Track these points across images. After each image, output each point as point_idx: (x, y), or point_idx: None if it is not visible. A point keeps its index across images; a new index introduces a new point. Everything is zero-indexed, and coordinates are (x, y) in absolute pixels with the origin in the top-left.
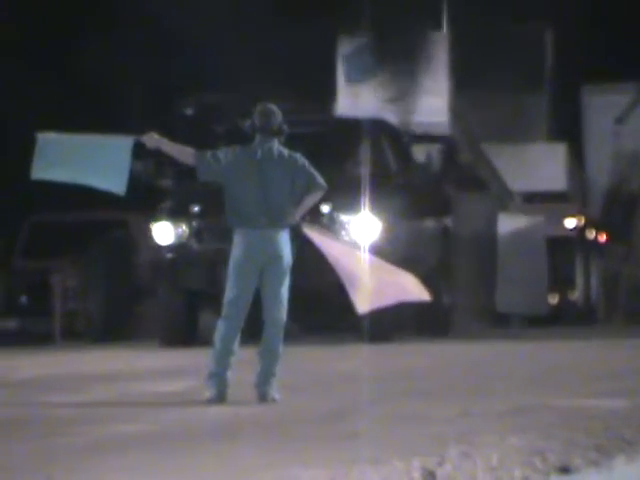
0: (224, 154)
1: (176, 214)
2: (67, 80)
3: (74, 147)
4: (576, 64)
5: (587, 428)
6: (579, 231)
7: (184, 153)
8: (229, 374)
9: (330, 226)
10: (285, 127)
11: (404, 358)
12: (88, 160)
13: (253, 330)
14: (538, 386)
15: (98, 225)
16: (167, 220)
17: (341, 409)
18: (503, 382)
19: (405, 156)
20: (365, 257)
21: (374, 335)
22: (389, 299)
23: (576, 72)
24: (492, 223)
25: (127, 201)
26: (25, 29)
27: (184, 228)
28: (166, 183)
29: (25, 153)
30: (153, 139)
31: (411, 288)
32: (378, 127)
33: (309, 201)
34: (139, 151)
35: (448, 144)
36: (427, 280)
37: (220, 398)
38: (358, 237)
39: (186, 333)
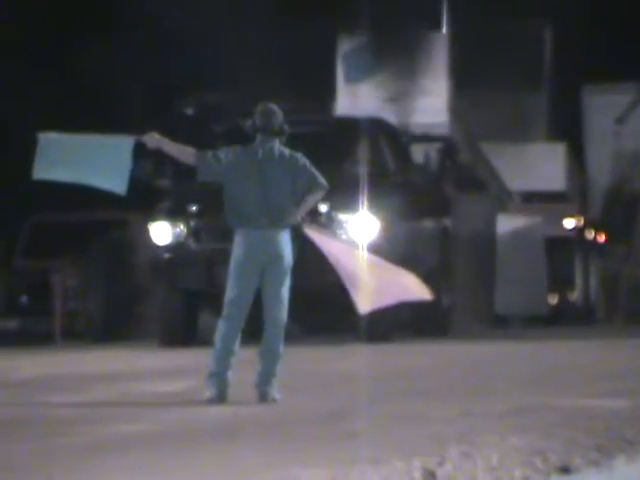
0: (225, 154)
1: (174, 214)
2: (67, 80)
3: (75, 147)
4: (576, 64)
5: (588, 428)
6: (578, 231)
7: (185, 153)
8: (229, 374)
9: (328, 225)
10: (286, 127)
11: (404, 358)
12: (89, 160)
13: (254, 330)
14: (539, 386)
15: (98, 225)
16: (165, 220)
17: (341, 409)
18: (503, 382)
19: (403, 156)
20: (366, 257)
21: (373, 335)
22: (390, 298)
23: (576, 72)
24: (491, 224)
25: (127, 201)
26: (25, 29)
27: (182, 228)
28: (164, 183)
29: (25, 153)
30: (154, 139)
31: (412, 287)
32: (376, 127)
33: (310, 201)
34: (138, 151)
35: (447, 144)
36: (426, 280)
37: (220, 398)
38: (356, 236)
39: (185, 333)
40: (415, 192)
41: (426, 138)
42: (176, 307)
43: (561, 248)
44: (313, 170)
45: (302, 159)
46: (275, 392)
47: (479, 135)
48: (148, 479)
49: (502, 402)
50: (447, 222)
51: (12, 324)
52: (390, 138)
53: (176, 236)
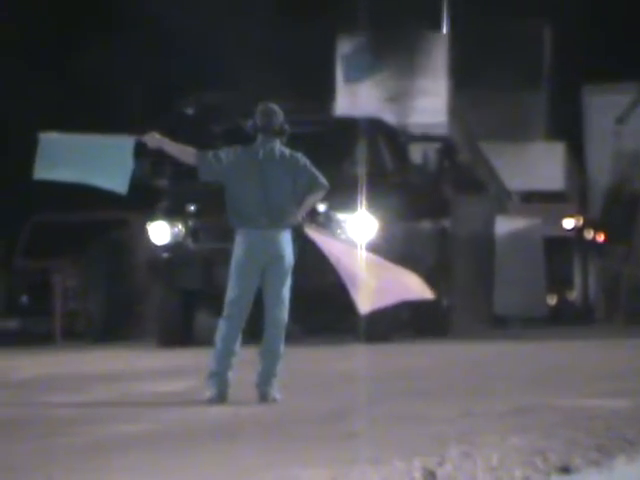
0: (226, 154)
1: (172, 214)
2: (67, 80)
3: (76, 147)
4: (576, 64)
5: (588, 428)
6: (577, 231)
7: (185, 153)
8: (230, 374)
9: (326, 225)
10: (287, 127)
11: (404, 358)
12: (90, 160)
13: (254, 330)
14: (539, 386)
15: (98, 225)
16: (163, 220)
17: (341, 409)
18: (503, 382)
19: (402, 156)
20: (367, 256)
21: (373, 335)
22: (391, 298)
23: (576, 72)
24: (490, 225)
25: (127, 201)
26: (25, 29)
27: (180, 228)
28: (162, 183)
29: (26, 153)
30: (155, 139)
31: (414, 286)
32: (375, 127)
33: (311, 201)
34: (137, 151)
35: (446, 144)
36: (425, 280)
37: (221, 398)
38: (354, 236)
39: (182, 333)
40: (413, 192)
41: (425, 138)
42: (174, 307)
43: (560, 248)
44: (314, 170)
45: (303, 159)
46: (275, 392)
47: (478, 134)
48: (148, 479)
49: (502, 402)
50: (446, 222)
51: (12, 324)
52: (388, 138)
53: (174, 236)
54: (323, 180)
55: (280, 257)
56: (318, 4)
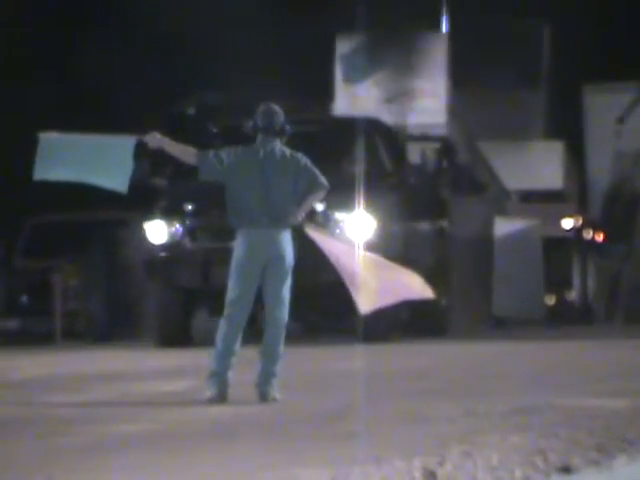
0: (226, 154)
1: (170, 213)
2: (67, 80)
3: (76, 147)
4: (576, 64)
5: (589, 428)
6: (576, 231)
7: (186, 153)
8: (230, 374)
9: (324, 224)
10: (288, 127)
11: (404, 358)
12: (90, 159)
13: (254, 330)
14: (539, 386)
15: (98, 225)
16: (161, 219)
17: (341, 409)
18: (503, 382)
19: (400, 156)
20: (367, 256)
21: (373, 335)
22: (392, 297)
23: (576, 72)
24: (489, 226)
25: (127, 201)
26: (25, 29)
27: (178, 227)
28: (160, 182)
29: (26, 153)
30: (155, 139)
31: (414, 286)
32: (372, 126)
33: (311, 201)
34: (136, 151)
35: (445, 145)
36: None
37: (221, 398)
38: (352, 235)
39: (180, 332)
40: (411, 192)
41: (423, 138)
42: (172, 306)
43: (559, 248)
44: (314, 170)
45: (303, 159)
46: (275, 392)
47: (477, 134)
48: (148, 479)
49: (502, 402)
50: (444, 223)
51: (12, 324)
52: (387, 138)
53: (172, 235)
54: (323, 180)
55: (280, 257)
56: (317, 4)
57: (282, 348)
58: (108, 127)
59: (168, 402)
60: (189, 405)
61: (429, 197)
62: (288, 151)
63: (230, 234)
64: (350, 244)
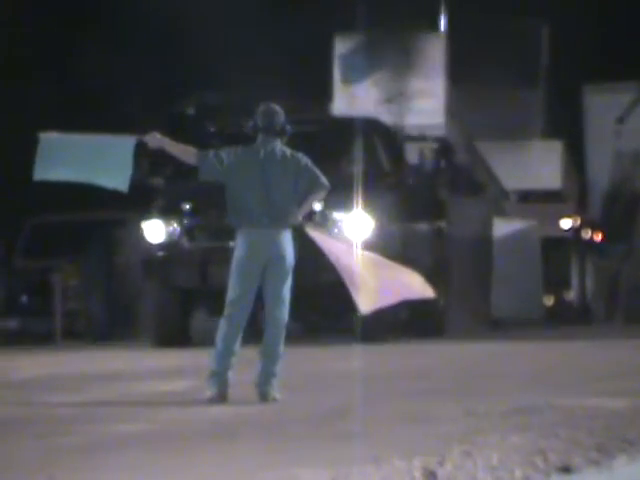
0: (227, 154)
1: (167, 212)
2: (67, 80)
3: (76, 146)
4: (576, 64)
5: (589, 428)
6: (575, 231)
7: (186, 153)
8: (230, 374)
9: (322, 224)
10: (288, 127)
11: (403, 358)
12: (90, 159)
13: (254, 330)
14: (539, 386)
15: (98, 225)
16: (158, 218)
17: (341, 409)
18: (503, 382)
19: (398, 156)
20: (367, 256)
21: (372, 336)
22: (393, 298)
23: (576, 72)
24: (488, 226)
25: (126, 201)
26: (25, 29)
27: (175, 226)
28: (158, 182)
29: (26, 153)
30: (156, 139)
31: (415, 285)
32: (371, 126)
33: (312, 201)
34: (137, 151)
35: (443, 145)
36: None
37: (221, 398)
38: (350, 235)
39: (178, 332)
40: (409, 192)
41: (421, 138)
42: (169, 306)
43: (557, 249)
44: (315, 170)
45: (304, 159)
46: (275, 392)
47: (475, 133)
48: (148, 479)
49: (502, 402)
50: (442, 223)
51: (12, 324)
52: (385, 138)
53: (169, 234)
54: (324, 180)
55: (281, 257)
56: (315, 4)
57: (282, 348)
58: (108, 127)
59: (168, 402)
60: (189, 405)
61: (427, 197)
62: (289, 151)
63: (228, 233)
64: (350, 244)
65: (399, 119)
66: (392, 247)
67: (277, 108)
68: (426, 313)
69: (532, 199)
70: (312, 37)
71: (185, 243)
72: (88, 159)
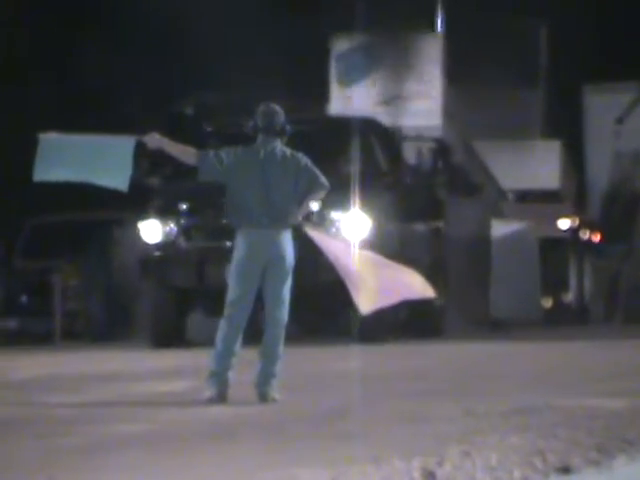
0: (226, 154)
1: (164, 212)
2: (67, 80)
3: (76, 147)
4: (576, 64)
5: (588, 428)
6: (573, 232)
7: (186, 153)
8: (230, 374)
9: (320, 224)
10: (288, 127)
11: (403, 358)
12: (90, 159)
13: (254, 330)
14: (538, 386)
15: (98, 225)
16: (155, 218)
17: (341, 409)
18: (503, 382)
19: (395, 156)
20: (367, 255)
21: (371, 336)
22: (393, 297)
23: (576, 72)
24: (486, 227)
25: (126, 201)
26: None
27: (172, 226)
28: (156, 182)
29: (26, 153)
30: (155, 139)
31: (415, 285)
32: (368, 126)
33: (311, 201)
34: (136, 151)
35: (440, 145)
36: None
37: (220, 398)
38: (348, 235)
39: (175, 332)
40: (407, 192)
41: (418, 139)
42: (166, 305)
43: (555, 249)
44: (315, 170)
45: (304, 159)
46: (275, 392)
47: (474, 133)
48: (148, 479)
49: (502, 402)
50: (439, 223)
51: (11, 324)
52: (382, 138)
53: (166, 234)
54: (324, 180)
55: (281, 257)
56: (313, 4)
57: (282, 349)
58: (108, 127)
59: (168, 402)
60: (189, 405)
61: (425, 197)
62: (289, 151)
63: (225, 233)
64: (348, 243)
65: (396, 120)
66: (390, 247)
67: (277, 108)
68: (424, 313)
69: (530, 199)
70: (310, 37)
71: (182, 243)
72: (88, 159)
